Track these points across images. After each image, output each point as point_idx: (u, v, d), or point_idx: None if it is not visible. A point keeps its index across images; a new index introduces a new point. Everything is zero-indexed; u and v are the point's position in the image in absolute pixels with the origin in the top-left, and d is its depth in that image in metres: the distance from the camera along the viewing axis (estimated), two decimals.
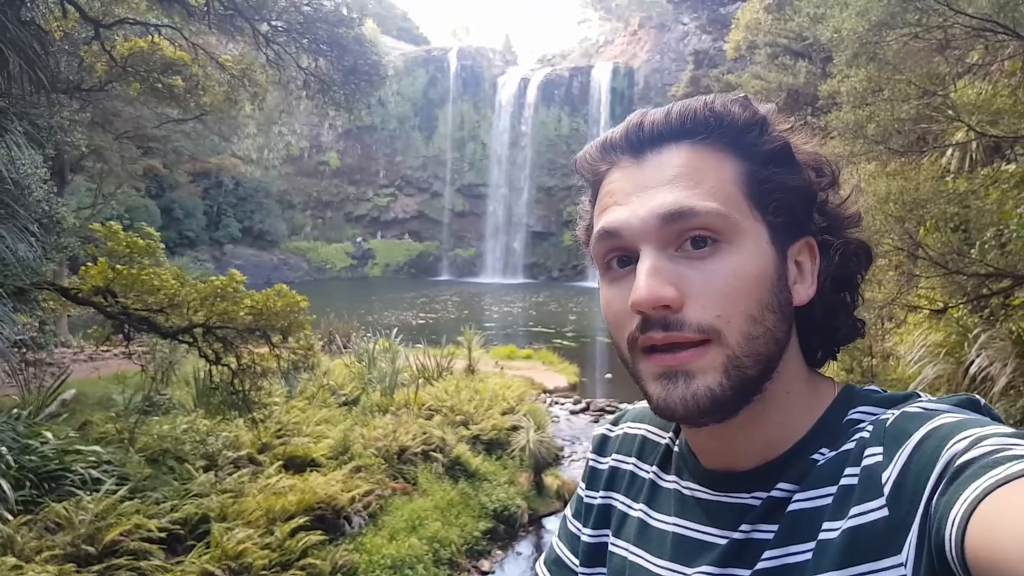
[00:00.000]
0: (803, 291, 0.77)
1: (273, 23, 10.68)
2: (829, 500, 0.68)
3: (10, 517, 5.88)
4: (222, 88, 13.05)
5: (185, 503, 6.98)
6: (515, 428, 10.76)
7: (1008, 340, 5.74)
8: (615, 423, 1.02)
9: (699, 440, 0.82)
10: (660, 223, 0.71)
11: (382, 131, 51.57)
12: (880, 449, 0.66)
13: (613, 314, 0.77)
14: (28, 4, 7.14)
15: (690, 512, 0.81)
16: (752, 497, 0.76)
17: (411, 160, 52.06)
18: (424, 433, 9.84)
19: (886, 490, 0.63)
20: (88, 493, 6.58)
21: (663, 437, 0.93)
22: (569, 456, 11.61)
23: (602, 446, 1.01)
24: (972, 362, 5.96)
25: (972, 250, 5.61)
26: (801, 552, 0.68)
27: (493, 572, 8.11)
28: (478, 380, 13.37)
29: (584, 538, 0.96)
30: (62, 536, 5.96)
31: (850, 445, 0.70)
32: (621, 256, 0.76)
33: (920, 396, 0.74)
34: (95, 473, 6.94)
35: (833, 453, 0.72)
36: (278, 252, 46.50)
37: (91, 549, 5.90)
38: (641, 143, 0.76)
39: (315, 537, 7.04)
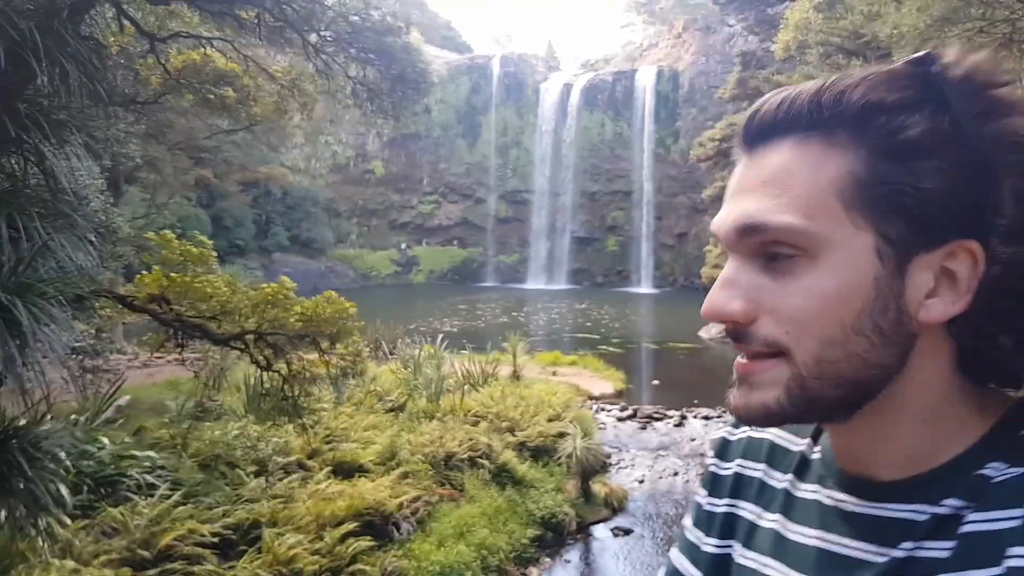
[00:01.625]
0: (941, 306, 0.65)
1: (322, 33, 10.81)
2: (1016, 523, 0.61)
3: (68, 521, 5.99)
4: (272, 98, 13.25)
5: (237, 508, 7.07)
6: (561, 435, 10.69)
7: None
8: (736, 426, 0.96)
9: (837, 442, 0.77)
10: (736, 235, 0.68)
11: (426, 139, 51.98)
12: None
13: None
14: (87, 20, 7.31)
15: (836, 525, 0.75)
16: (914, 511, 0.68)
17: (455, 167, 52.36)
18: (470, 439, 9.83)
19: None
20: (143, 498, 6.71)
21: (796, 444, 0.87)
22: (616, 463, 11.51)
23: (724, 450, 0.95)
24: None
25: None
26: None
27: None
28: (523, 386, 13.33)
29: (707, 548, 0.90)
30: (118, 540, 6.07)
31: None
32: None
33: None
34: (149, 478, 7.08)
35: (1014, 470, 0.64)
36: (325, 260, 47.10)
37: (146, 553, 6.01)
38: (752, 138, 0.70)
39: (364, 543, 7.07)
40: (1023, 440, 0.66)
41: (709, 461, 0.96)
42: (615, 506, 9.83)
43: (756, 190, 0.67)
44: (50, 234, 4.70)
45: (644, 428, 13.34)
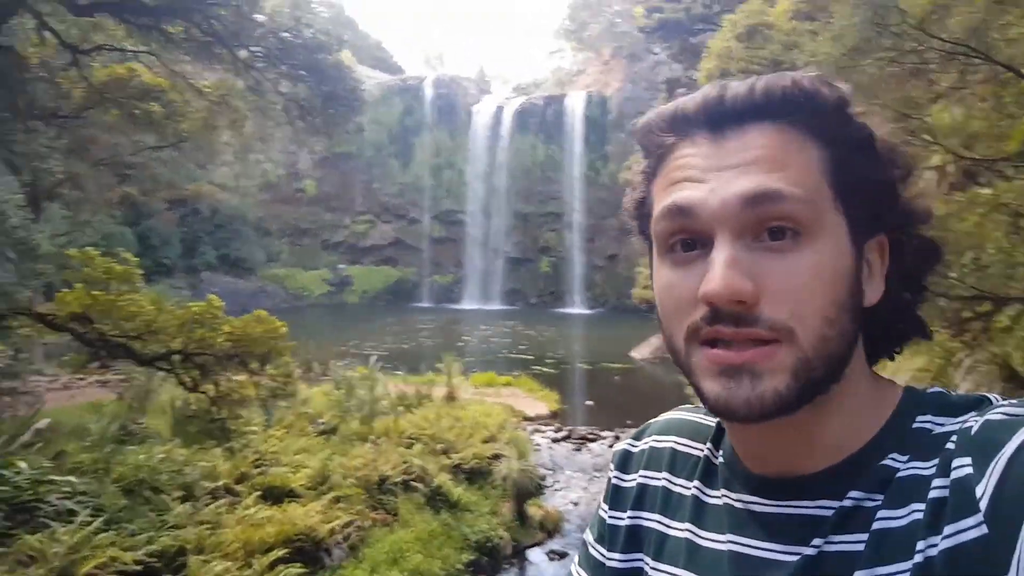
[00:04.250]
0: (872, 291, 0.73)
1: (252, 50, 10.68)
2: (920, 515, 0.63)
3: None
4: (200, 115, 12.98)
5: (161, 535, 6.80)
6: (496, 457, 10.65)
7: (993, 364, 5.80)
8: (637, 437, 0.95)
9: (749, 443, 0.77)
10: (742, 206, 0.67)
11: (359, 158, 51.54)
12: (968, 460, 0.61)
13: (673, 299, 0.71)
14: (6, 30, 7.07)
15: (746, 527, 0.75)
16: (819, 507, 0.70)
17: (388, 187, 52.03)
18: (404, 462, 9.69)
19: (982, 506, 0.58)
20: (62, 525, 6.40)
21: (697, 448, 0.87)
22: (551, 485, 11.48)
23: (625, 462, 0.94)
24: (958, 387, 6.01)
25: (952, 273, 5.68)
26: (896, 574, 0.63)
27: None
28: (459, 408, 13.24)
29: (612, 564, 0.89)
30: (35, 569, 5.77)
31: (935, 459, 0.65)
32: (687, 239, 0.71)
33: (992, 401, 0.69)
34: (69, 504, 6.75)
35: (915, 464, 0.67)
36: (255, 279, 46.08)
37: None
38: (722, 119, 0.71)
39: (294, 570, 6.89)
40: (912, 433, 0.70)
41: (611, 474, 0.95)
42: (550, 529, 9.80)
43: (750, 165, 0.68)
44: None
45: (579, 449, 13.37)
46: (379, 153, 52.12)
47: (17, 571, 5.73)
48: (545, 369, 22.80)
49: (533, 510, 9.92)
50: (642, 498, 0.89)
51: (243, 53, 10.84)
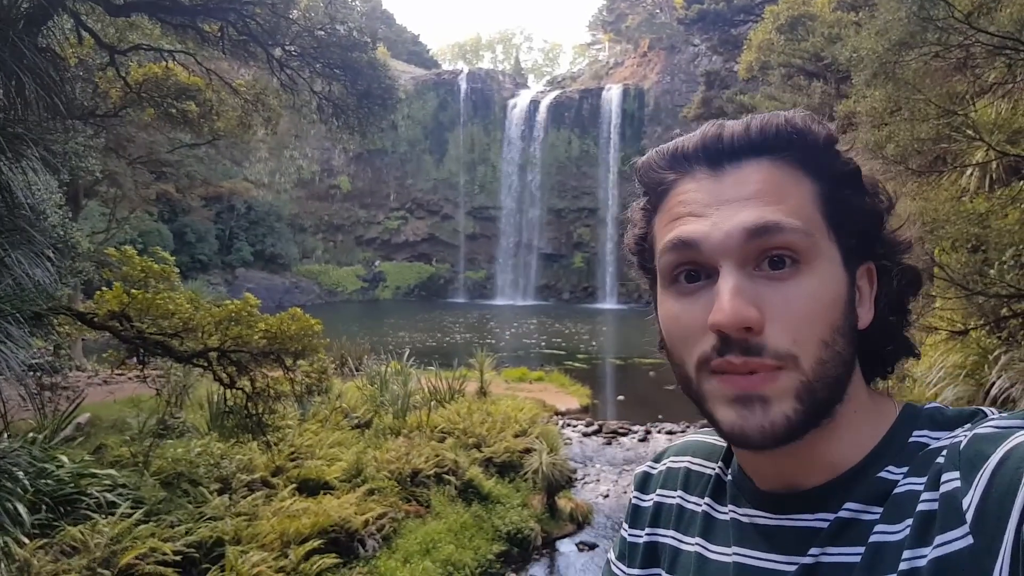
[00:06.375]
0: (864, 315, 0.77)
1: (287, 48, 10.76)
2: (909, 529, 0.66)
3: (26, 541, 5.87)
4: (235, 113, 13.14)
5: (199, 526, 6.97)
6: (528, 450, 10.70)
7: None
8: (657, 460, 1.01)
9: (758, 463, 0.80)
10: (744, 238, 0.70)
11: (393, 154, 51.80)
12: (957, 474, 0.64)
13: (681, 329, 0.75)
14: (44, 31, 7.22)
15: (750, 540, 0.79)
16: (817, 519, 0.74)
17: (422, 183, 52.25)
18: (437, 456, 9.80)
19: (968, 517, 0.60)
20: (103, 516, 6.58)
21: (709, 467, 0.91)
22: (582, 479, 11.53)
23: (644, 484, 0.99)
24: (993, 384, 5.89)
25: (991, 270, 5.56)
26: None
27: None
28: (490, 402, 13.31)
29: None
30: (78, 559, 5.95)
31: (927, 474, 0.68)
32: (691, 270, 0.74)
33: (987, 414, 0.72)
34: (110, 496, 6.95)
35: (911, 479, 0.70)
36: (290, 275, 46.66)
37: (107, 572, 5.89)
38: (720, 155, 0.75)
39: (329, 560, 7.01)
40: (908, 447, 0.73)
41: (632, 495, 1.00)
42: (580, 521, 9.85)
43: (750, 199, 0.72)
44: (6, 250, 4.63)
45: (609, 443, 13.37)
46: (413, 149, 52.30)
47: (60, 561, 5.90)
48: (577, 364, 22.78)
49: (563, 502, 9.97)
50: (658, 516, 0.94)
51: (277, 51, 10.92)
